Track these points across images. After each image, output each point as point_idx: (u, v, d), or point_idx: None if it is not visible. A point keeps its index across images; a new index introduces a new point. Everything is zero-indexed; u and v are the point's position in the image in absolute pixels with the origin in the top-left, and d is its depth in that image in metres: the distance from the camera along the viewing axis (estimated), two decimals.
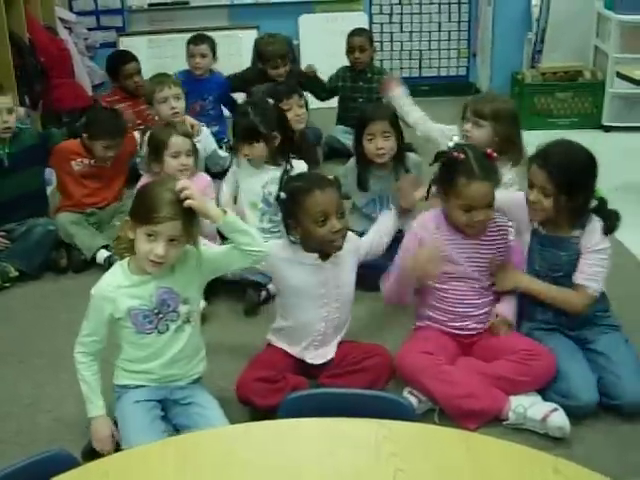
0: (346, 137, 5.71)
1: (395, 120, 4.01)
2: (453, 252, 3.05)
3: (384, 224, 3.36)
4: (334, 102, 6.06)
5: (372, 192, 4.02)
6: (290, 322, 3.06)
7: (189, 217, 2.57)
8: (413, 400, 2.89)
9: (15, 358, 3.47)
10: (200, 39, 5.75)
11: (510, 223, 3.13)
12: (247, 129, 3.98)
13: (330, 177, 3.03)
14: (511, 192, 3.35)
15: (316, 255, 2.98)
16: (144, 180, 3.96)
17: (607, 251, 3.02)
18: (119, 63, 5.78)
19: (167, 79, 4.77)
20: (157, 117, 4.82)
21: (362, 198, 4.05)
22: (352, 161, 4.13)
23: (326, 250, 2.97)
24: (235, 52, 6.91)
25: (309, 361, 3.05)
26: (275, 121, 4.06)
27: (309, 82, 5.81)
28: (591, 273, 3.00)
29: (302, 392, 2.22)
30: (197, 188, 3.41)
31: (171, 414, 2.81)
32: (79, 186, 4.52)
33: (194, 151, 4.05)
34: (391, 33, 7.55)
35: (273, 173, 4.01)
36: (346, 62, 5.91)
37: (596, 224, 3.02)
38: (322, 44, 7.07)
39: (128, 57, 5.86)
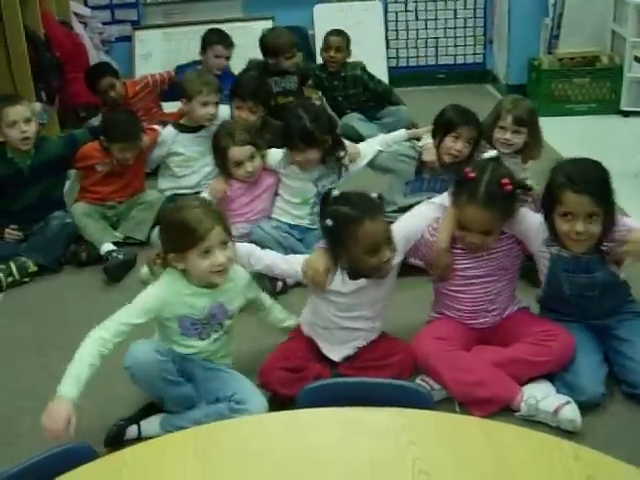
0: (361, 124, 5.71)
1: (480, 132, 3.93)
2: (460, 260, 3.01)
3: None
4: None
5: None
6: (316, 320, 3.05)
7: (225, 220, 2.75)
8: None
9: (34, 352, 3.49)
10: (230, 42, 5.76)
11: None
12: (304, 134, 3.90)
13: (374, 196, 2.90)
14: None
15: (361, 281, 2.93)
16: None
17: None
18: (95, 77, 5.62)
19: (212, 82, 4.72)
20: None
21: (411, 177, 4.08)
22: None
23: (374, 277, 2.90)
24: (250, 44, 6.87)
25: (326, 354, 3.05)
26: (327, 124, 4.04)
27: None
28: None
29: (320, 382, 2.21)
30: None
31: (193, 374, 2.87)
32: (103, 185, 4.54)
33: (257, 149, 4.04)
34: (406, 21, 7.51)
35: (321, 169, 4.02)
36: (356, 52, 5.90)
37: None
38: None
39: (102, 71, 5.67)
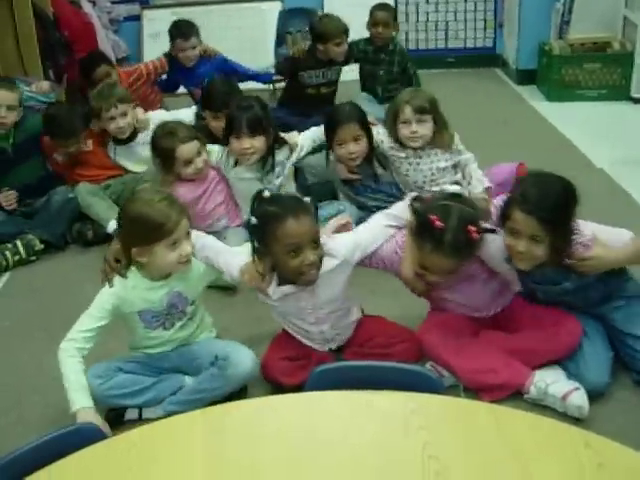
0: (369, 105, 5.67)
1: (363, 117, 3.96)
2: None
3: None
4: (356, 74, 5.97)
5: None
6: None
7: (185, 207, 2.73)
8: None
9: (42, 332, 3.49)
10: (187, 32, 5.44)
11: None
12: (254, 120, 3.82)
13: (306, 200, 2.72)
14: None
15: (287, 287, 2.79)
16: None
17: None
18: (90, 67, 5.42)
19: (113, 95, 4.47)
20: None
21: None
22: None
23: (297, 282, 2.74)
24: (259, 25, 6.87)
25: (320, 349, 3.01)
26: (271, 117, 4.00)
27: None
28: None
29: (329, 365, 2.20)
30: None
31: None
32: (88, 163, 4.54)
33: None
34: (417, 4, 7.47)
35: (263, 165, 3.96)
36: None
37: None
38: (347, 17, 6.97)
39: (97, 60, 5.48)
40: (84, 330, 2.72)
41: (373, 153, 3.99)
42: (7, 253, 4.06)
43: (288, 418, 1.79)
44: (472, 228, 2.65)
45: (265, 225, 2.65)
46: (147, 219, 2.63)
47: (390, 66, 5.73)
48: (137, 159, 4.58)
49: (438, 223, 2.64)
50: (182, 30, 5.46)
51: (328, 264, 2.75)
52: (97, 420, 2.56)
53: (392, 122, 3.89)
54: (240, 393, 2.86)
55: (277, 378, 2.87)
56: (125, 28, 7.32)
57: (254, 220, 2.68)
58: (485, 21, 7.61)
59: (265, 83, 5.93)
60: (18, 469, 1.66)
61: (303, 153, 4.10)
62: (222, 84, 4.49)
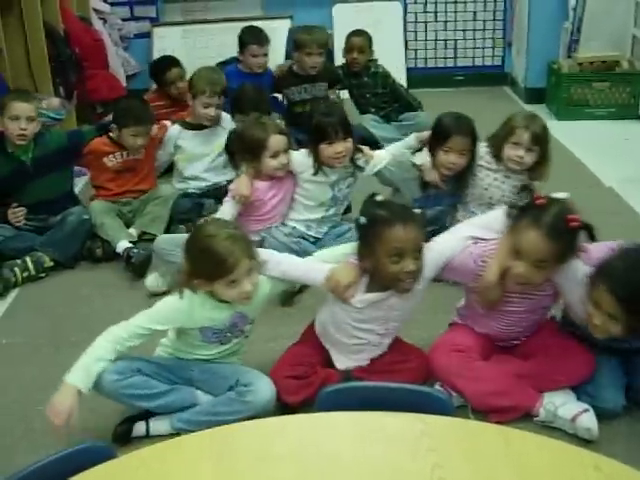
0: (374, 125, 5.68)
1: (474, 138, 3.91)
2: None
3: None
4: None
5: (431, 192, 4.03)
6: (330, 322, 3.00)
7: (249, 247, 2.72)
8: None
9: (50, 347, 3.49)
10: (265, 39, 5.62)
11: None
12: (343, 123, 3.87)
13: (416, 211, 2.82)
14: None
15: (376, 295, 2.84)
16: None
17: None
18: (162, 69, 5.69)
19: (217, 85, 4.67)
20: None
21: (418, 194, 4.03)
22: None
23: (393, 288, 2.80)
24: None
25: (333, 359, 3.03)
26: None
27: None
28: None
29: (338, 386, 2.20)
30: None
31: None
32: (114, 182, 4.56)
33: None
34: (426, 23, 7.49)
35: (339, 172, 3.96)
36: (377, 52, 5.88)
37: None
38: None
39: (171, 62, 5.75)
40: (139, 326, 2.73)
41: (469, 171, 3.95)
42: (16, 269, 4.06)
43: (297, 439, 1.79)
44: (573, 217, 2.65)
45: (373, 227, 2.73)
46: (209, 254, 2.66)
47: (375, 88, 5.79)
48: (200, 147, 4.70)
49: (541, 200, 2.70)
50: (258, 36, 5.62)
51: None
52: (68, 404, 2.58)
53: (502, 138, 3.82)
54: None
55: (282, 396, 2.86)
56: (135, 45, 7.35)
57: (363, 220, 2.77)
58: (494, 40, 7.63)
59: None
60: None
61: (381, 166, 4.06)
62: (251, 89, 4.79)
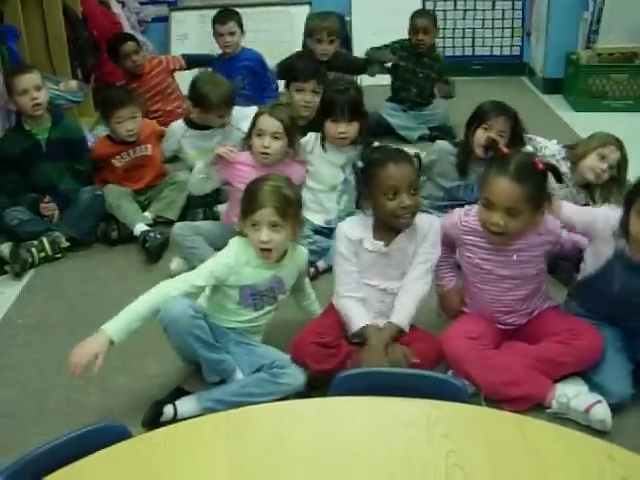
0: (393, 114, 5.67)
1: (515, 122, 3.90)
2: (481, 260, 2.96)
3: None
4: (383, 79, 5.99)
5: (465, 179, 4.02)
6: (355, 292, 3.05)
7: (283, 203, 2.81)
8: None
9: (66, 329, 3.50)
10: (226, 17, 5.63)
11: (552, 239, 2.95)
12: (351, 104, 3.90)
13: (411, 152, 3.02)
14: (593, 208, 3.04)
15: (382, 243, 2.95)
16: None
17: None
18: (116, 44, 5.73)
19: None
20: None
21: (451, 181, 4.04)
22: (444, 144, 4.17)
23: (393, 225, 2.94)
24: (287, 28, 6.89)
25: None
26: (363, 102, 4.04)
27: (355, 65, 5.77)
28: None
29: (353, 371, 2.20)
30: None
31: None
32: (125, 180, 4.57)
33: (287, 136, 3.83)
34: (444, 11, 7.46)
35: (349, 153, 3.97)
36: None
37: None
38: (374, 21, 7.01)
39: (124, 37, 5.83)
40: (184, 281, 2.82)
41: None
42: (33, 250, 4.08)
43: (311, 423, 1.79)
44: (539, 160, 2.81)
45: (369, 169, 2.96)
46: (247, 191, 2.88)
47: (430, 70, 5.73)
48: (204, 147, 4.57)
49: (505, 149, 2.89)
50: (221, 14, 5.67)
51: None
52: (96, 347, 2.66)
53: (591, 148, 3.85)
54: None
55: (305, 361, 2.89)
56: (153, 29, 7.35)
57: (360, 164, 3.06)
58: (513, 29, 7.59)
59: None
60: (40, 467, 1.65)
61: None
62: (306, 57, 4.93)
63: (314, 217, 4.02)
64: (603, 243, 2.85)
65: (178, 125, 4.74)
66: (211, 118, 4.52)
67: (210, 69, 5.58)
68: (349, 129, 3.91)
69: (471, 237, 2.96)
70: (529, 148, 3.90)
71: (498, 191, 2.73)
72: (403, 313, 2.98)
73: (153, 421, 2.78)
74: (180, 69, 5.90)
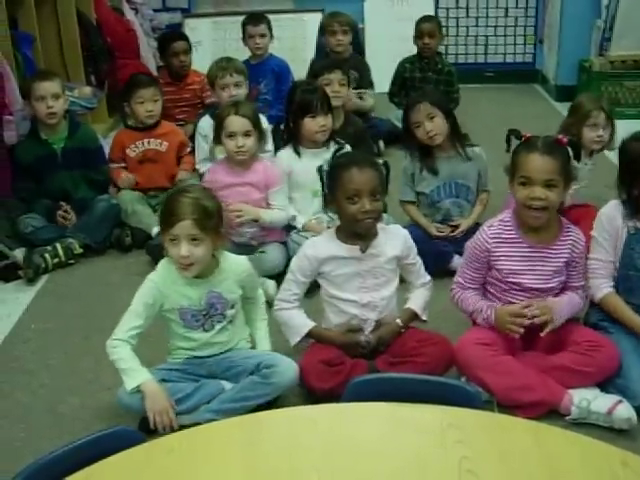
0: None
1: (438, 100, 3.99)
2: (516, 264, 2.95)
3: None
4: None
5: (441, 177, 3.99)
6: (336, 317, 3.05)
7: (202, 216, 2.71)
8: None
9: (79, 334, 3.52)
10: (258, 19, 5.68)
11: (582, 238, 2.98)
12: (324, 98, 4.02)
13: (379, 160, 3.06)
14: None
15: (357, 247, 2.95)
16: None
17: None
18: (168, 40, 5.75)
19: (230, 65, 4.73)
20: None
21: (429, 184, 4.01)
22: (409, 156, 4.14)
23: (355, 230, 2.93)
24: (300, 35, 6.91)
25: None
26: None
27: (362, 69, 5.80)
28: None
29: (367, 377, 2.20)
30: (259, 178, 3.88)
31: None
32: (137, 172, 4.60)
33: (256, 130, 3.89)
34: (457, 18, 7.49)
35: (324, 156, 3.95)
36: (410, 47, 5.85)
37: None
38: (387, 28, 7.04)
39: (178, 36, 5.87)
40: (125, 331, 2.79)
41: None
42: (47, 255, 4.10)
43: (326, 429, 1.79)
44: (560, 137, 2.95)
45: (333, 172, 2.97)
46: (165, 204, 2.80)
47: (437, 84, 5.71)
48: None
49: (528, 134, 2.96)
50: (253, 16, 5.71)
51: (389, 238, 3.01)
52: (160, 391, 2.73)
53: (576, 123, 4.01)
54: (270, 402, 2.86)
55: (311, 382, 2.88)
56: None
57: (325, 167, 3.12)
58: (525, 36, 7.61)
59: None
60: (54, 471, 1.66)
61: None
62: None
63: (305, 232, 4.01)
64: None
65: (205, 121, 4.73)
66: None
67: None
68: (327, 121, 4.00)
69: (503, 248, 2.95)
70: None
71: (534, 166, 2.82)
72: (416, 302, 3.09)
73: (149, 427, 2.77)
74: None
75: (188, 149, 4.76)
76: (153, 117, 4.53)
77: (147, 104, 4.48)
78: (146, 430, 2.74)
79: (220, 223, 2.82)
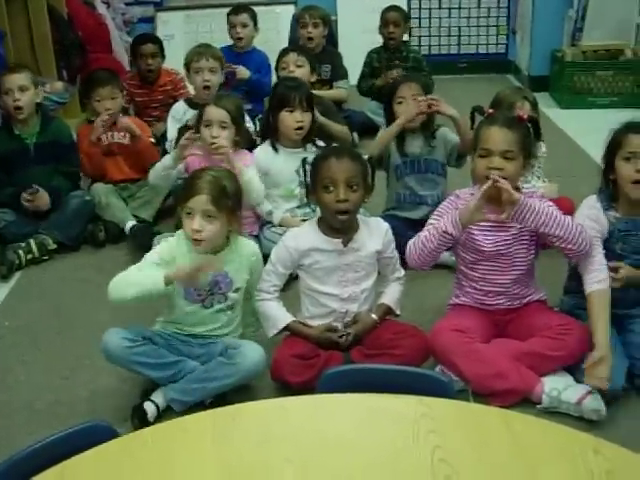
0: (375, 112, 5.69)
1: (426, 87, 4.03)
2: (479, 234, 2.98)
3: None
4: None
5: (410, 156, 4.02)
6: (315, 309, 3.06)
7: (219, 193, 2.78)
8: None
9: (53, 330, 3.51)
10: (240, 9, 5.66)
11: (550, 204, 2.97)
12: (307, 94, 4.00)
13: (361, 153, 3.04)
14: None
15: (339, 240, 2.95)
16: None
17: None
18: (137, 43, 5.66)
19: (206, 50, 4.73)
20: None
21: (395, 160, 4.03)
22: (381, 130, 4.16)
23: (332, 223, 2.93)
24: (272, 27, 6.88)
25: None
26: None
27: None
28: None
29: (340, 368, 2.21)
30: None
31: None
32: (105, 164, 4.55)
33: (234, 125, 3.87)
34: (430, 9, 7.50)
35: (301, 155, 3.96)
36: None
37: None
38: (360, 20, 7.02)
39: (147, 38, 5.72)
40: (140, 267, 2.84)
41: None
42: (20, 252, 4.08)
43: (299, 420, 1.80)
44: (520, 113, 3.12)
45: (314, 163, 2.99)
46: (187, 178, 2.94)
47: (406, 63, 5.75)
48: None
49: (490, 110, 3.10)
50: (236, 6, 5.70)
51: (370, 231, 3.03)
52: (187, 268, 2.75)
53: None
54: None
55: (284, 376, 2.89)
56: (139, 30, 7.29)
57: (310, 159, 3.10)
58: (498, 27, 7.63)
59: None
60: (28, 467, 1.65)
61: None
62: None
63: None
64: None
65: (179, 105, 4.73)
66: None
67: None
68: (305, 117, 3.96)
69: None
70: None
71: (493, 138, 2.90)
72: (390, 297, 3.09)
73: (143, 423, 2.78)
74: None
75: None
76: (112, 115, 4.47)
77: (105, 102, 4.42)
78: (141, 419, 2.79)
79: (238, 206, 2.90)
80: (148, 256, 2.87)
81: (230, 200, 2.82)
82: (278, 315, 3.03)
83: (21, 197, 4.24)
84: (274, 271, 3.01)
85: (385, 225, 3.07)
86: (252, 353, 2.83)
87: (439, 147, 4.03)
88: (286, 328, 3.02)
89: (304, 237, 2.98)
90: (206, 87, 4.64)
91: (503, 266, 3.01)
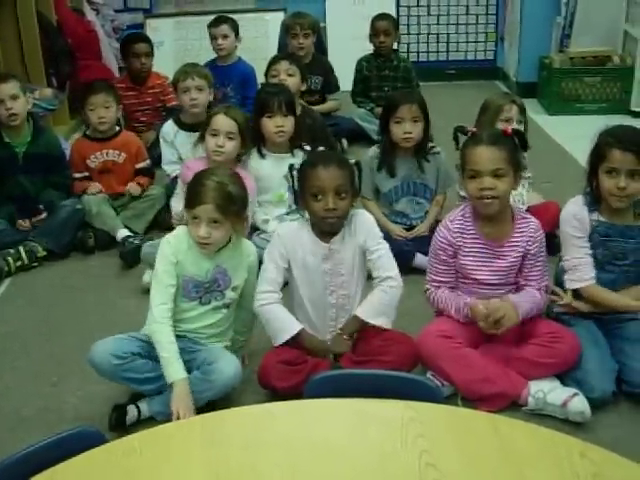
0: (364, 119, 5.70)
1: (424, 106, 3.99)
2: (473, 260, 2.99)
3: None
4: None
5: (397, 178, 4.02)
6: (303, 311, 3.05)
7: (225, 201, 2.79)
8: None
9: (42, 337, 3.50)
10: (220, 20, 5.65)
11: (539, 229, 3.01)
12: (289, 100, 4.04)
13: (349, 159, 3.05)
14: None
15: (326, 245, 2.95)
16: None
17: None
18: (129, 42, 5.72)
19: (192, 70, 4.71)
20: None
21: (386, 184, 4.04)
22: (374, 148, 4.16)
23: (321, 227, 2.95)
24: (262, 35, 6.89)
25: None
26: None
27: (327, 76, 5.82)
28: None
29: (327, 373, 2.21)
30: None
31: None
32: (98, 181, 4.53)
33: (240, 137, 3.90)
34: (418, 16, 7.52)
35: (289, 161, 3.93)
36: (371, 48, 5.87)
37: None
38: (349, 27, 7.03)
39: (139, 37, 5.83)
40: (158, 305, 2.83)
41: None
42: (9, 259, 4.07)
43: (287, 425, 1.80)
44: (504, 128, 3.14)
45: (302, 170, 2.98)
46: (190, 183, 2.90)
47: (394, 82, 5.75)
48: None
49: (473, 129, 3.11)
50: (215, 18, 5.70)
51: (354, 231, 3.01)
52: (189, 394, 2.73)
53: (490, 120, 3.94)
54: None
55: (271, 382, 2.89)
56: None
57: (297, 165, 3.05)
58: (486, 34, 7.65)
59: None
60: (15, 474, 1.66)
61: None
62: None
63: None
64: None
65: (168, 125, 4.72)
66: None
67: None
68: (286, 122, 4.01)
69: (463, 242, 2.98)
70: None
71: (481, 158, 2.88)
72: (363, 307, 3.01)
73: (119, 423, 2.81)
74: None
75: (143, 164, 4.67)
76: (105, 124, 4.45)
77: (98, 110, 4.41)
78: (119, 419, 2.81)
79: (243, 209, 2.91)
80: (161, 274, 2.85)
81: (236, 205, 2.84)
82: (288, 319, 2.99)
83: (17, 223, 4.31)
84: (274, 266, 2.98)
85: (370, 218, 3.05)
86: (227, 368, 2.82)
87: (431, 172, 4.05)
88: (296, 335, 2.97)
89: (294, 228, 3.02)
90: (194, 105, 4.63)
91: (494, 290, 3.02)
